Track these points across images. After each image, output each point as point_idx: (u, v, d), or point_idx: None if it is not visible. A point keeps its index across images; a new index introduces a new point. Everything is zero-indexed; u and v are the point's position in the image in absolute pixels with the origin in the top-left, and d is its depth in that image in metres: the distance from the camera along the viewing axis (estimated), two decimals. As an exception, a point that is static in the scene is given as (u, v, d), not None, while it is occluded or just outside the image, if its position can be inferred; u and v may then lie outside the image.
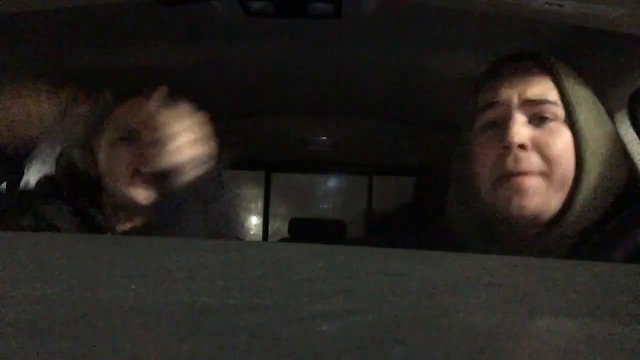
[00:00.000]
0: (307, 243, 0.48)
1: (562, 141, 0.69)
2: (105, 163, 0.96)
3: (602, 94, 1.13)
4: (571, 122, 0.70)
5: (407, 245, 0.78)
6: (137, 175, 0.92)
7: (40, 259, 0.40)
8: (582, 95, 0.72)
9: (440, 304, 0.32)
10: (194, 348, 0.24)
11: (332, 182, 4.19)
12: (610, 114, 1.16)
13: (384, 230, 1.00)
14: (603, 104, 0.97)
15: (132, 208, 0.96)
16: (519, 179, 0.67)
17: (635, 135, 1.13)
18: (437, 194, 0.84)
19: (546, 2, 0.67)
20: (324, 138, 1.78)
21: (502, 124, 0.70)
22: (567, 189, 0.68)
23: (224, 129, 0.81)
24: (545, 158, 0.68)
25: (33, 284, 0.33)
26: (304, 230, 2.52)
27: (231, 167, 0.87)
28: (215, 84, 1.26)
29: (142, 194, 0.92)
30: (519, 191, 0.67)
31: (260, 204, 3.01)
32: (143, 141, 0.92)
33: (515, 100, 0.70)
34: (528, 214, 0.68)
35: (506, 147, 0.68)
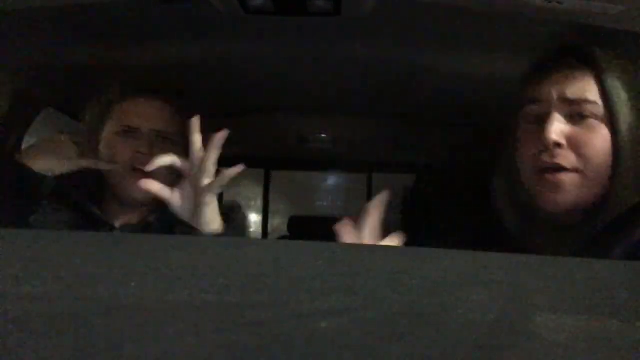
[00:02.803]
0: (306, 241, 0.48)
1: (599, 140, 0.70)
2: (105, 157, 0.96)
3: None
4: (611, 121, 0.71)
5: (407, 242, 0.78)
6: (136, 171, 0.92)
7: (40, 257, 0.40)
8: (623, 94, 0.72)
9: (439, 301, 0.32)
10: (194, 345, 0.24)
11: (332, 179, 4.19)
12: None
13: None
14: None
15: (130, 204, 0.95)
16: (554, 175, 0.70)
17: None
18: (436, 192, 0.85)
19: (546, 0, 0.67)
20: (324, 136, 1.78)
21: (543, 121, 0.72)
22: (602, 186, 0.70)
23: (224, 126, 0.81)
24: (582, 155, 0.70)
25: (33, 282, 0.33)
26: (304, 228, 2.52)
27: (231, 165, 0.87)
28: (214, 81, 1.25)
29: (140, 190, 0.91)
30: (554, 187, 0.70)
31: (259, 202, 3.00)
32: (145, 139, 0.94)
33: (554, 98, 0.72)
34: (561, 208, 0.70)
35: (544, 145, 0.70)
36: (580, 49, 0.75)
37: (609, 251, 0.65)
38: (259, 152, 2.11)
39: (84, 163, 0.91)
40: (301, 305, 0.30)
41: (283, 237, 2.55)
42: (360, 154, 2.07)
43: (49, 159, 0.88)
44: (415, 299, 0.32)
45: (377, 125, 1.65)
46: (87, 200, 0.95)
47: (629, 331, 0.28)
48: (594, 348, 0.26)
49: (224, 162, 0.78)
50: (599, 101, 0.71)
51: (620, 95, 0.72)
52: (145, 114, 0.97)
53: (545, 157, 0.70)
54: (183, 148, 0.97)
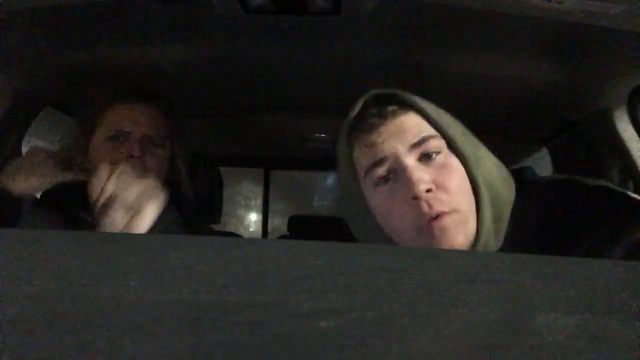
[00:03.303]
0: (306, 240, 0.48)
1: (455, 170, 0.70)
2: (93, 160, 0.95)
3: (601, 91, 1.14)
4: (453, 149, 0.71)
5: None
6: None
7: (39, 256, 0.40)
8: (448, 121, 0.74)
9: (439, 300, 0.32)
10: (194, 344, 0.24)
11: (332, 179, 4.19)
12: (610, 111, 1.17)
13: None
14: (601, 100, 0.98)
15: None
16: (439, 222, 0.66)
17: (634, 132, 1.13)
18: None
19: (546, 0, 0.67)
20: (324, 135, 1.78)
21: (400, 176, 0.70)
22: (474, 214, 0.69)
23: (224, 126, 0.81)
24: (450, 192, 0.68)
25: (32, 281, 0.33)
26: (304, 227, 2.52)
27: (231, 165, 0.87)
28: (214, 81, 1.25)
29: None
30: (443, 234, 0.66)
31: (259, 201, 3.00)
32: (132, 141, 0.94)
33: (400, 149, 0.71)
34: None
35: (415, 197, 0.67)
36: (392, 96, 0.75)
37: (609, 251, 0.65)
38: (258, 152, 2.11)
39: (61, 177, 0.90)
40: (301, 304, 0.30)
41: (283, 237, 2.55)
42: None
43: (27, 178, 0.88)
44: (415, 299, 0.32)
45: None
46: (74, 205, 0.94)
47: (628, 331, 0.28)
48: (594, 347, 0.26)
49: (225, 162, 0.79)
50: (435, 132, 0.71)
51: (448, 122, 0.73)
52: (138, 119, 0.97)
53: (424, 209, 0.67)
54: (169, 149, 1.00)
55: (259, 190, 2.93)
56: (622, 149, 1.15)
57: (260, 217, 2.96)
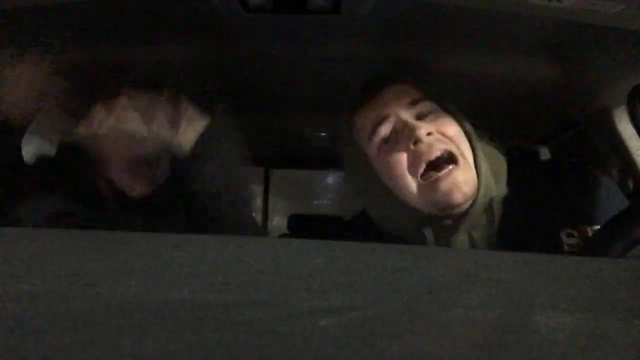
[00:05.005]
0: (306, 239, 0.48)
1: (451, 122, 0.77)
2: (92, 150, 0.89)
3: (601, 90, 1.14)
4: (447, 110, 0.79)
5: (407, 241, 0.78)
6: (127, 164, 0.87)
7: (39, 255, 0.40)
8: (441, 92, 0.82)
9: (439, 299, 0.32)
10: (194, 343, 0.24)
11: (332, 178, 4.19)
12: (610, 110, 1.17)
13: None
14: (601, 100, 1.00)
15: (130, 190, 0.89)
16: (440, 170, 0.72)
17: (634, 131, 1.13)
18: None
19: (545, -2, 0.67)
20: (324, 134, 1.77)
21: (400, 131, 0.76)
22: (471, 166, 0.75)
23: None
24: (449, 137, 0.75)
25: (33, 280, 0.33)
26: (303, 226, 2.51)
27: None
28: (213, 80, 1.25)
29: (131, 186, 0.87)
30: (448, 182, 0.72)
31: (259, 200, 3.00)
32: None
33: (400, 107, 0.78)
34: (463, 197, 0.73)
35: (417, 140, 0.73)
36: (393, 67, 0.87)
37: (609, 250, 0.66)
38: (258, 151, 2.11)
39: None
40: (300, 303, 0.30)
41: (283, 236, 2.55)
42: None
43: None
44: (415, 298, 0.32)
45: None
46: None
47: (627, 329, 0.28)
48: (593, 346, 0.26)
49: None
50: (430, 99, 0.80)
51: (440, 92, 0.82)
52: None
53: (423, 151, 0.72)
54: None
55: (258, 189, 2.93)
56: (622, 148, 1.15)
57: (260, 216, 2.97)
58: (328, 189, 4.29)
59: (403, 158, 0.75)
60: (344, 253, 0.44)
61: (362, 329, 0.27)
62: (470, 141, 0.77)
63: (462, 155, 0.74)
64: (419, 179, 0.74)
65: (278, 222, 3.38)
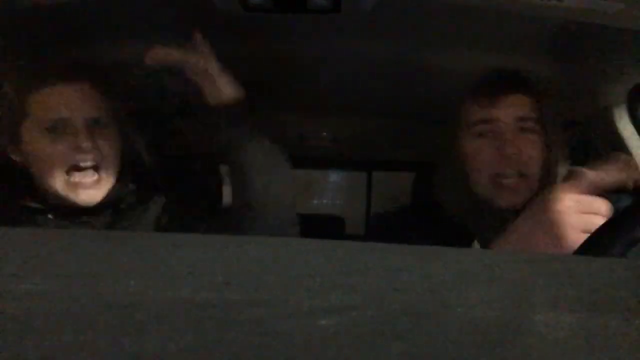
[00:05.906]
0: (306, 238, 0.48)
1: (536, 148, 0.87)
2: (34, 158, 0.83)
3: (601, 89, 1.14)
4: (544, 134, 0.88)
5: (406, 240, 0.78)
6: (75, 171, 0.81)
7: (39, 255, 0.40)
8: (551, 112, 0.89)
9: (439, 299, 0.32)
10: (194, 343, 0.24)
11: (332, 178, 4.19)
12: (609, 110, 1.17)
13: (383, 225, 1.01)
14: (601, 99, 1.01)
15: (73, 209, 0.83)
16: (511, 180, 0.85)
17: (634, 130, 1.13)
18: (436, 190, 0.92)
19: (546, -2, 0.67)
20: (324, 134, 1.77)
21: (497, 137, 0.87)
22: (535, 185, 0.86)
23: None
24: (527, 163, 0.86)
25: (33, 280, 0.33)
26: (303, 225, 2.51)
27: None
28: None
29: (83, 194, 0.82)
30: (512, 191, 0.85)
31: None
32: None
33: (511, 118, 0.87)
34: (516, 205, 0.85)
35: (505, 155, 0.85)
36: (517, 74, 0.91)
37: (609, 249, 0.65)
38: None
39: None
40: (301, 303, 0.30)
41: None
42: (360, 152, 2.07)
43: None
44: (415, 297, 0.32)
45: (377, 123, 1.65)
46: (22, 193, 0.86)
47: (628, 329, 0.28)
48: (594, 345, 0.26)
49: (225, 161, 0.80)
50: (537, 118, 0.88)
51: (551, 114, 0.89)
52: (73, 101, 0.83)
53: (504, 166, 0.85)
54: (118, 132, 0.88)
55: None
56: (622, 147, 1.15)
57: (260, 216, 2.96)
58: (328, 188, 4.29)
59: (483, 160, 0.86)
60: (344, 253, 0.44)
61: (362, 329, 0.27)
62: (548, 161, 0.87)
63: (532, 177, 0.85)
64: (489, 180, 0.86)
65: (278, 221, 3.36)
